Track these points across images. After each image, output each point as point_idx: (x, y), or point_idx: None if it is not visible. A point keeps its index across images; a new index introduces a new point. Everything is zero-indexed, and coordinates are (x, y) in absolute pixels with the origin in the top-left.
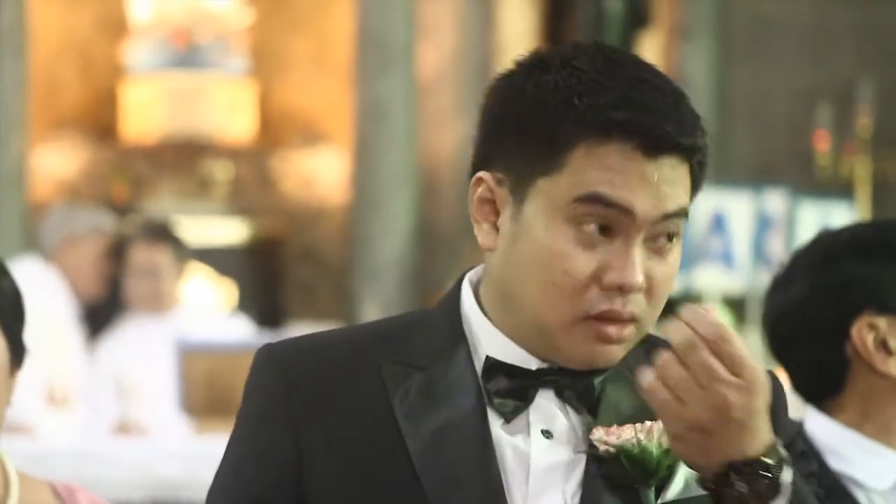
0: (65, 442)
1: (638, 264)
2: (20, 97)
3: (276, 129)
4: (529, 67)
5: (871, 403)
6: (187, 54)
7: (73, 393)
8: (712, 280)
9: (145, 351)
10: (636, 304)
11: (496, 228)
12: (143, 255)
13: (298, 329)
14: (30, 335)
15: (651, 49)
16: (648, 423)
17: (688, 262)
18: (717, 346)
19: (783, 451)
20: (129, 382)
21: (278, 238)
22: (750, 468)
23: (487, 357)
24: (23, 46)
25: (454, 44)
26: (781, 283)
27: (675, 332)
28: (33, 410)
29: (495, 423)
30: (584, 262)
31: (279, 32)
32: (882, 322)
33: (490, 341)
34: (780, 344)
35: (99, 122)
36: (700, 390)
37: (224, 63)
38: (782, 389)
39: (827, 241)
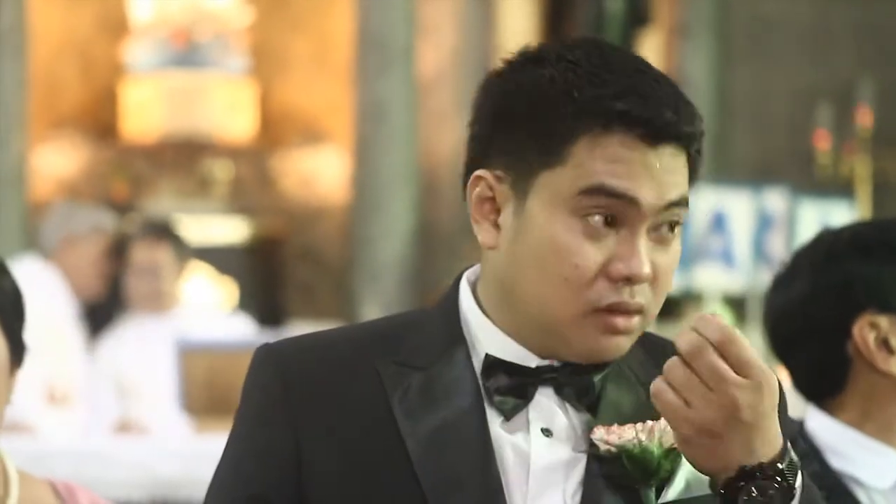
0: (65, 441)
1: (644, 254)
2: (20, 97)
3: (277, 129)
4: (523, 63)
5: (872, 402)
6: (187, 53)
7: (72, 392)
8: (712, 279)
9: (145, 350)
10: (643, 294)
11: (497, 226)
12: (143, 254)
13: (298, 328)
14: (30, 334)
15: (651, 48)
16: (650, 422)
17: (688, 262)
18: (724, 348)
19: (794, 456)
20: (129, 382)
21: (278, 237)
22: (763, 473)
23: (487, 355)
24: (23, 46)
25: (454, 43)
26: (782, 283)
27: (681, 337)
28: (33, 409)
29: (495, 422)
30: (592, 255)
31: (279, 32)
32: (883, 321)
33: (489, 339)
34: (781, 343)
35: (99, 121)
36: (708, 392)
37: (224, 62)
38: (782, 388)
39: (828, 241)
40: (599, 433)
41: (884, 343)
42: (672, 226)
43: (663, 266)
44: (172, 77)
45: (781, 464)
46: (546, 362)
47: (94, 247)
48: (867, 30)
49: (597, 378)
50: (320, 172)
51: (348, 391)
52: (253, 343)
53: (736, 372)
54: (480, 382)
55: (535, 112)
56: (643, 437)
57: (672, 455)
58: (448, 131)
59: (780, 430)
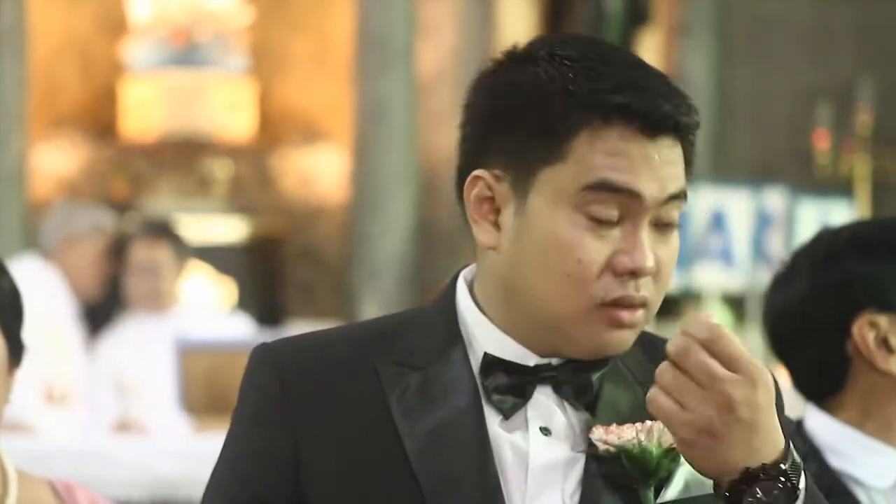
0: (64, 440)
1: (648, 248)
2: (20, 96)
3: (276, 128)
4: (515, 62)
5: (871, 402)
6: (187, 53)
7: (71, 392)
8: (712, 278)
9: (145, 349)
10: (646, 287)
11: (497, 226)
12: (143, 253)
13: (298, 328)
14: (29, 334)
15: (650, 48)
16: (649, 422)
17: (687, 261)
18: (712, 345)
19: (797, 457)
20: (128, 381)
21: (278, 236)
22: (766, 474)
23: (485, 354)
24: (23, 45)
25: (454, 43)
26: (782, 282)
27: (671, 342)
28: (32, 409)
29: (493, 421)
30: (596, 250)
31: (279, 31)
32: (883, 320)
33: (487, 338)
34: (781, 342)
35: (99, 120)
36: (701, 392)
37: (224, 61)
38: (778, 387)
39: (828, 240)
40: (598, 433)
41: (883, 342)
42: (672, 219)
43: (665, 259)
44: (172, 76)
45: (784, 464)
46: (545, 361)
47: (93, 246)
48: (867, 30)
49: (595, 377)
50: (320, 172)
51: (346, 391)
52: (252, 342)
53: (727, 368)
54: (479, 381)
55: (534, 109)
56: (642, 437)
57: (671, 455)
58: (448, 131)
59: (780, 429)
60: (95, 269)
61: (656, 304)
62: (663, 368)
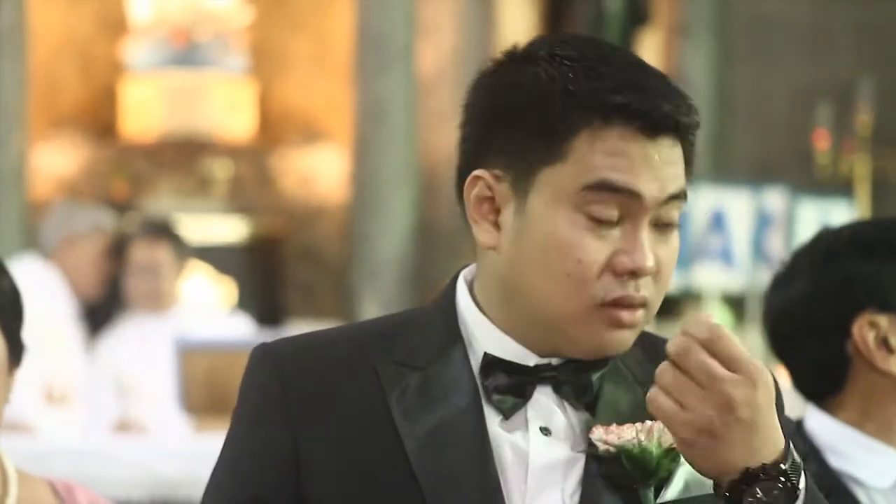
0: (64, 440)
1: (648, 248)
2: (20, 96)
3: (276, 128)
4: (514, 62)
5: (871, 402)
6: (187, 53)
7: (71, 392)
8: (712, 278)
9: (145, 349)
10: (646, 287)
11: (497, 226)
12: (143, 253)
13: (298, 328)
14: (29, 334)
15: (651, 47)
16: (648, 422)
17: (687, 261)
18: (712, 345)
19: (797, 457)
20: (128, 381)
21: (278, 236)
22: (766, 474)
23: (485, 354)
24: (23, 45)
25: (454, 43)
26: (782, 282)
27: (671, 342)
28: (32, 409)
29: (493, 421)
30: (596, 250)
31: (279, 31)
32: (883, 320)
33: (487, 338)
34: (781, 342)
35: (98, 120)
36: (701, 391)
37: (224, 61)
38: (778, 387)
39: (828, 240)
40: (598, 433)
41: (883, 342)
42: (672, 219)
43: (665, 259)
44: (172, 76)
45: (784, 464)
46: (545, 361)
47: (93, 246)
48: (867, 29)
49: (595, 376)
50: (320, 172)
51: (346, 391)
52: (252, 342)
53: (727, 368)
54: (479, 381)
55: (534, 109)
56: (642, 437)
57: (671, 455)
58: (448, 131)
59: (780, 429)
60: (95, 269)
61: (656, 304)
62: (663, 368)
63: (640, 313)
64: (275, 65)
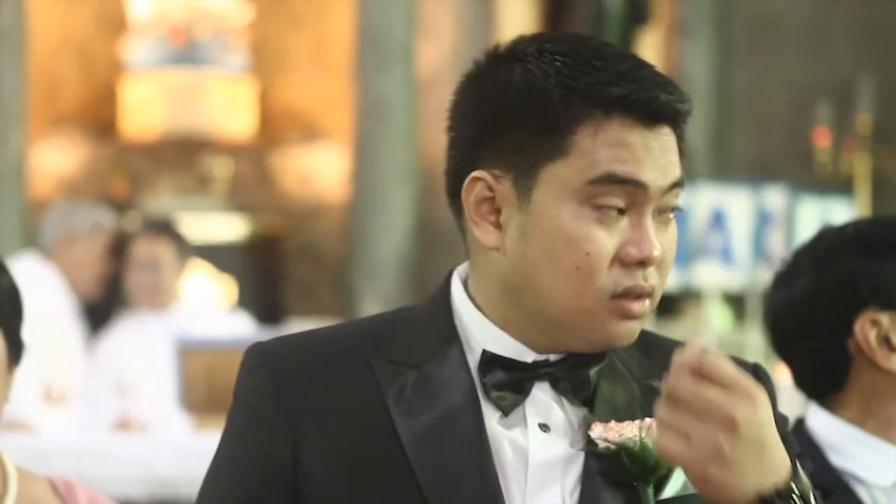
0: (64, 438)
1: (653, 236)
2: (20, 94)
3: (276, 126)
4: (503, 62)
5: (873, 400)
6: (187, 51)
7: (70, 390)
8: (712, 276)
9: (145, 348)
10: (652, 276)
11: (498, 226)
12: (144, 249)
13: (298, 326)
14: (29, 332)
15: (650, 46)
16: (648, 420)
17: (687, 259)
18: (702, 371)
19: (803, 473)
20: (128, 379)
21: (278, 235)
22: (780, 495)
23: (484, 351)
24: (22, 44)
25: (454, 42)
26: (784, 280)
27: (664, 381)
28: (31, 407)
29: (492, 418)
30: (604, 242)
31: (279, 29)
32: (885, 318)
33: (484, 335)
34: (783, 340)
35: (98, 119)
36: (700, 420)
37: (223, 60)
38: (770, 381)
39: (830, 238)
40: (598, 430)
41: (885, 340)
42: (672, 207)
43: (667, 247)
44: (172, 75)
45: (794, 482)
46: (542, 357)
47: (93, 245)
48: (867, 28)
49: (592, 372)
50: (320, 170)
51: (343, 389)
52: (252, 341)
53: (720, 390)
54: (477, 378)
55: (531, 106)
56: (643, 434)
57: None
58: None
59: (784, 448)
60: (95, 268)
61: (659, 293)
62: (660, 408)
63: (647, 303)
64: (275, 63)
